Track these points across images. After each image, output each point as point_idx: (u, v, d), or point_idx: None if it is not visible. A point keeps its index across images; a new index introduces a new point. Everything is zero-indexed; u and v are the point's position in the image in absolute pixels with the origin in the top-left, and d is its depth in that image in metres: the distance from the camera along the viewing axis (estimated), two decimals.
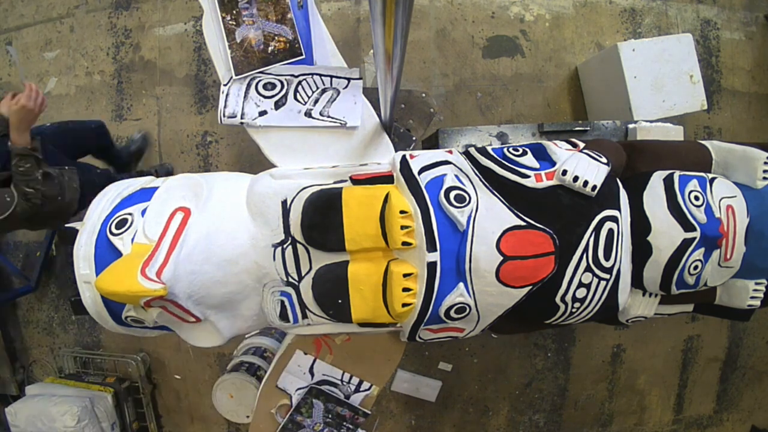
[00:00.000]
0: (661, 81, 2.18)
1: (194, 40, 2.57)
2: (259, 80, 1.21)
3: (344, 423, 1.35)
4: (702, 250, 1.02)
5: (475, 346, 2.61)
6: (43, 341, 2.83)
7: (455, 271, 0.94)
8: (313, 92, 1.19)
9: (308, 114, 1.16)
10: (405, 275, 0.94)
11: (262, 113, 1.16)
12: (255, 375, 1.90)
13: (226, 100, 1.19)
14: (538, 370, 2.68)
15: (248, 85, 1.20)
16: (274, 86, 1.20)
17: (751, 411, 2.88)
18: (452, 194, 0.95)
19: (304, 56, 1.25)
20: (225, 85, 1.21)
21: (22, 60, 2.70)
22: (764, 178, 1.13)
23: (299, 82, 1.20)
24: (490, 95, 2.52)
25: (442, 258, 0.93)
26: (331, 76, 1.21)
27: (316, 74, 1.22)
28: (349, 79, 1.21)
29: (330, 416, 1.33)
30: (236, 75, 1.23)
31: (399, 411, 2.69)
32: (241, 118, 1.16)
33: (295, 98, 1.18)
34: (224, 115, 1.17)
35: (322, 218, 0.96)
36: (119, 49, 2.61)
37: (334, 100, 1.18)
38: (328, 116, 1.16)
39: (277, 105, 1.17)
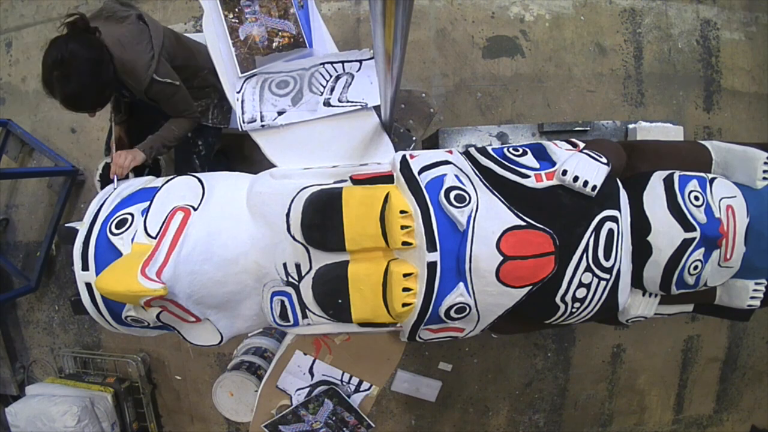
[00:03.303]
0: None
1: None
2: (272, 80, 1.20)
3: (344, 429, 1.35)
4: (702, 250, 1.02)
5: (475, 346, 2.61)
6: (43, 341, 2.83)
7: (455, 271, 0.94)
8: (327, 81, 1.18)
9: (327, 103, 1.15)
10: (405, 275, 0.93)
11: (281, 112, 1.15)
12: (255, 374, 1.90)
13: (242, 107, 1.18)
14: (538, 370, 2.68)
15: (261, 88, 1.20)
16: (287, 84, 1.19)
17: (751, 411, 2.88)
18: (452, 194, 0.95)
19: (309, 49, 1.25)
20: (238, 92, 1.21)
21: (22, 60, 2.71)
22: (764, 178, 1.13)
23: (312, 75, 1.19)
24: (490, 95, 2.52)
25: (442, 258, 0.93)
26: (343, 62, 1.20)
27: (327, 63, 1.21)
28: (360, 61, 1.20)
29: (334, 419, 1.33)
30: (241, 72, 1.23)
31: (399, 411, 2.69)
32: (261, 121, 1.15)
33: (311, 90, 1.17)
34: (244, 122, 1.16)
35: (322, 218, 0.96)
36: None
37: (350, 84, 1.17)
38: (347, 101, 1.15)
39: (294, 101, 1.17)
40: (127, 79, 1.43)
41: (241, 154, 2.37)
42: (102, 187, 1.72)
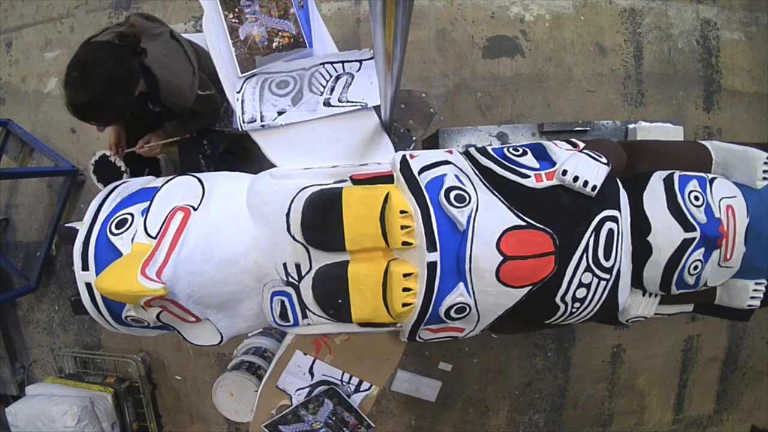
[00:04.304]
0: None
1: None
2: (272, 80, 1.20)
3: (344, 429, 1.35)
4: (702, 250, 1.02)
5: (475, 346, 2.61)
6: (43, 341, 2.83)
7: (455, 271, 0.94)
8: (327, 81, 1.18)
9: (327, 103, 1.15)
10: (405, 275, 0.94)
11: (281, 112, 1.15)
12: (255, 374, 1.90)
13: (242, 107, 1.18)
14: (538, 370, 2.68)
15: (261, 88, 1.20)
16: (287, 84, 1.19)
17: (751, 411, 2.88)
18: (452, 194, 0.95)
19: (309, 49, 1.25)
20: (238, 92, 1.21)
21: (22, 60, 2.71)
22: (764, 178, 1.13)
23: (312, 75, 1.19)
24: (490, 95, 2.52)
25: (442, 258, 0.93)
26: (342, 62, 1.20)
27: (327, 63, 1.21)
28: (360, 61, 1.20)
29: (334, 419, 1.33)
30: (241, 72, 1.23)
31: (399, 411, 2.69)
32: (261, 121, 1.15)
33: (311, 91, 1.17)
34: (244, 122, 1.16)
35: (322, 218, 0.96)
36: None
37: (350, 84, 1.17)
38: (347, 101, 1.15)
39: (294, 101, 1.17)
40: (172, 99, 1.42)
41: (246, 152, 2.37)
42: (94, 172, 1.84)
